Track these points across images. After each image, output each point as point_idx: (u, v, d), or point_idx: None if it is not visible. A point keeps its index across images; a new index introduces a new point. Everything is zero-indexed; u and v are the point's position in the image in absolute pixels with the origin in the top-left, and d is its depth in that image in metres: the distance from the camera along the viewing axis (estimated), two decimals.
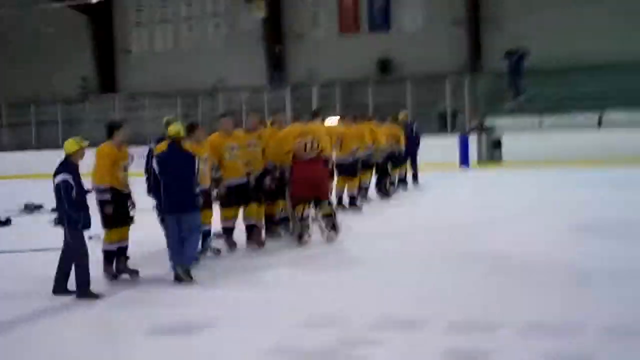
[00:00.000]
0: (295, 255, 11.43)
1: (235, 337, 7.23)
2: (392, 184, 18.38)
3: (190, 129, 10.45)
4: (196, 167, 9.76)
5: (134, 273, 10.09)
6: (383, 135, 17.32)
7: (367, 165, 16.55)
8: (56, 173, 8.95)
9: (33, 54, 37.90)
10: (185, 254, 9.66)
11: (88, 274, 9.04)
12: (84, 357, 6.95)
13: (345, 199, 15.91)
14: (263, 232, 12.32)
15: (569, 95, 27.10)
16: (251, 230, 11.83)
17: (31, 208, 18.09)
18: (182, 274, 9.48)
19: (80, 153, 9.16)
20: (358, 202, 15.96)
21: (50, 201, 17.45)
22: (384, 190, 17.75)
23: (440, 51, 31.40)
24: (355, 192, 15.92)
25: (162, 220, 10.33)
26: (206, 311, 8.17)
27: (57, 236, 13.45)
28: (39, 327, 8.05)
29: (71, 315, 8.49)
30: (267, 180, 12.08)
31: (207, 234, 10.88)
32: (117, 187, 9.87)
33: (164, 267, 9.96)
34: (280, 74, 32.50)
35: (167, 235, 9.78)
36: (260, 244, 11.82)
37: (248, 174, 11.65)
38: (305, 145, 12.13)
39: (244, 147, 11.71)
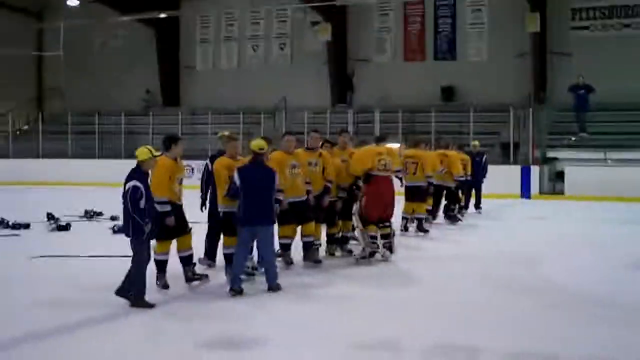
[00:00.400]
0: (352, 274, 11.42)
1: (285, 356, 7.18)
2: (461, 209, 18.63)
3: (168, 142, 10.25)
4: (276, 182, 10.02)
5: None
6: (458, 162, 17.72)
7: (439, 191, 17.03)
8: (128, 179, 9.01)
9: (100, 66, 38.50)
10: (267, 272, 9.94)
11: (144, 283, 9.09)
12: None
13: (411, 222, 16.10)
14: (321, 249, 12.33)
15: (633, 131, 26.78)
16: (309, 247, 11.78)
17: (91, 214, 18.28)
18: (237, 289, 9.62)
19: (151, 162, 9.25)
20: (425, 226, 16.08)
21: (110, 209, 17.92)
22: (452, 216, 17.97)
23: (504, 82, 31.17)
24: (423, 215, 16.11)
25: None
26: (258, 327, 8.15)
27: (114, 244, 13.71)
28: (91, 334, 8.06)
29: (123, 323, 8.50)
30: (326, 199, 12.05)
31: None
32: (173, 199, 9.95)
33: (217, 279, 9.99)
34: (352, 96, 32.39)
35: (237, 245, 9.93)
36: (317, 261, 11.76)
37: (308, 192, 11.62)
38: (385, 164, 12.37)
39: (304, 166, 11.68)
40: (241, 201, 9.77)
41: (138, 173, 9.09)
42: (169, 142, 10.12)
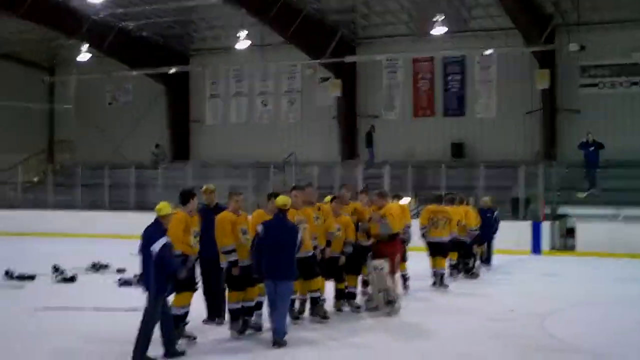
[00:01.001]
0: (358, 327, 11.34)
1: None
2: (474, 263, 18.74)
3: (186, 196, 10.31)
4: (299, 238, 10.20)
5: (192, 338, 10.16)
6: (474, 218, 18.17)
7: (457, 245, 17.21)
8: (150, 234, 8.95)
9: (110, 120, 38.73)
10: (275, 322, 10.00)
11: (150, 339, 8.99)
12: None
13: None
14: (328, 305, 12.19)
15: None
16: (316, 302, 11.63)
17: (97, 267, 18.16)
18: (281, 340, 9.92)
19: (171, 217, 9.30)
20: (446, 280, 16.23)
21: (117, 261, 17.83)
22: (468, 270, 18.10)
23: (514, 138, 31.23)
24: (444, 270, 16.28)
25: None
26: None
27: (120, 297, 13.61)
28: None
29: None
30: (327, 252, 11.95)
31: (182, 318, 10.24)
32: (188, 253, 9.95)
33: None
34: (372, 151, 32.44)
35: (269, 301, 10.16)
36: (325, 317, 11.61)
37: (314, 248, 11.51)
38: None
39: (311, 221, 11.58)
40: (264, 255, 9.95)
41: (161, 228, 9.06)
42: (187, 196, 10.16)
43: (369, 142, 32.48)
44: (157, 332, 9.06)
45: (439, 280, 15.98)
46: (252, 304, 10.62)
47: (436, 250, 16.07)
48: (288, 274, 10.09)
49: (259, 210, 10.98)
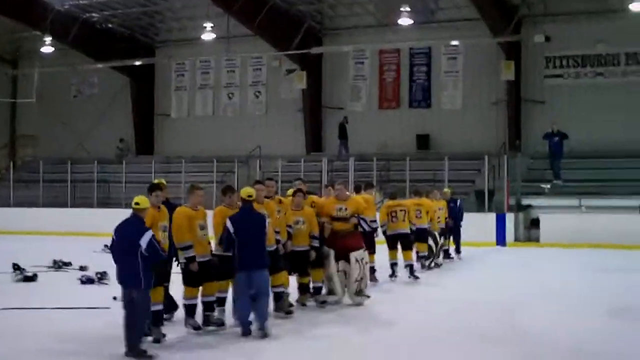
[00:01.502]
0: (321, 321, 11.32)
1: None
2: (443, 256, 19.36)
3: (224, 191, 10.85)
4: (267, 227, 10.37)
5: (221, 324, 10.50)
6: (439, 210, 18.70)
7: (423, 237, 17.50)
8: (136, 228, 8.97)
9: (74, 113, 38.35)
10: (258, 312, 10.09)
11: (143, 332, 9.05)
12: None
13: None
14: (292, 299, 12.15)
15: (607, 179, 26.96)
16: (279, 298, 11.54)
17: (59, 265, 17.92)
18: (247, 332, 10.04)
19: (148, 211, 9.34)
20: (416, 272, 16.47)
21: (79, 259, 17.63)
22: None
23: (479, 130, 31.30)
24: (412, 262, 16.43)
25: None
26: None
27: (82, 295, 13.44)
28: None
29: None
30: (288, 245, 11.85)
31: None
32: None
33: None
34: (346, 143, 32.25)
35: (237, 293, 10.26)
36: (289, 312, 11.52)
37: (277, 242, 11.40)
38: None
39: (273, 215, 11.47)
40: (236, 248, 10.02)
41: (141, 222, 9.11)
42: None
43: (342, 134, 32.30)
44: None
45: (409, 271, 16.11)
46: (213, 298, 10.52)
47: (399, 242, 16.17)
48: (262, 263, 10.21)
49: (220, 207, 10.85)
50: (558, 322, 11.43)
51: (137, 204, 9.13)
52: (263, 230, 10.33)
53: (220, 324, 10.54)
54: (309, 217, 12.28)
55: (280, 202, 12.02)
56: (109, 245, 21.57)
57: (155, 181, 10.92)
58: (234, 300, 10.56)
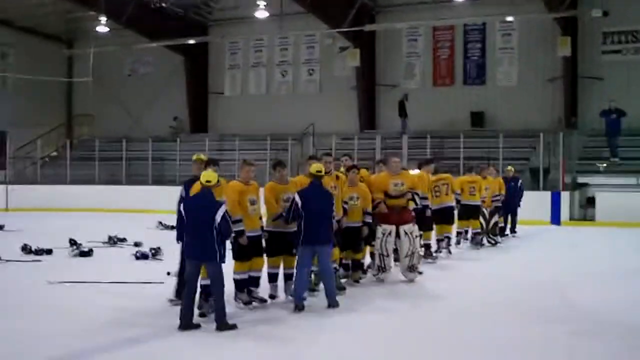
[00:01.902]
0: (375, 297, 11.24)
1: None
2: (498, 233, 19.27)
3: (274, 167, 10.96)
4: (334, 204, 10.56)
5: (263, 300, 10.54)
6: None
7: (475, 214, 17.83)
8: (206, 204, 9.12)
9: (129, 92, 38.69)
10: (327, 287, 10.45)
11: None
12: None
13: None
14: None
15: None
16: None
17: (114, 241, 18.13)
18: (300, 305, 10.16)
19: (219, 186, 9.57)
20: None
21: (134, 235, 17.85)
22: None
23: (534, 107, 30.90)
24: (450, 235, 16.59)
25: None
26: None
27: (135, 270, 13.60)
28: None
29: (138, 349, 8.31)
30: (342, 223, 11.78)
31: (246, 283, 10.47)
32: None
33: None
34: (405, 120, 31.60)
35: (298, 266, 10.34)
36: (341, 288, 11.48)
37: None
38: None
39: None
40: (302, 222, 10.17)
41: (213, 196, 9.27)
42: (242, 164, 10.67)
43: (402, 111, 31.78)
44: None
45: (444, 245, 16.26)
46: (259, 274, 10.54)
47: (442, 216, 16.07)
48: (327, 239, 10.38)
49: (270, 183, 10.86)
50: (614, 300, 11.31)
51: (208, 181, 9.17)
52: (330, 206, 10.50)
53: (263, 300, 10.55)
54: (363, 194, 12.21)
55: (337, 178, 11.92)
56: (162, 222, 21.88)
57: (194, 157, 10.71)
58: (288, 276, 10.73)
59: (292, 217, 10.28)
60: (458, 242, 17.71)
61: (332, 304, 10.28)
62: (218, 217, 8.96)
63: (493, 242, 18.51)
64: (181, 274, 10.11)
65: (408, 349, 8.24)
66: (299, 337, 8.91)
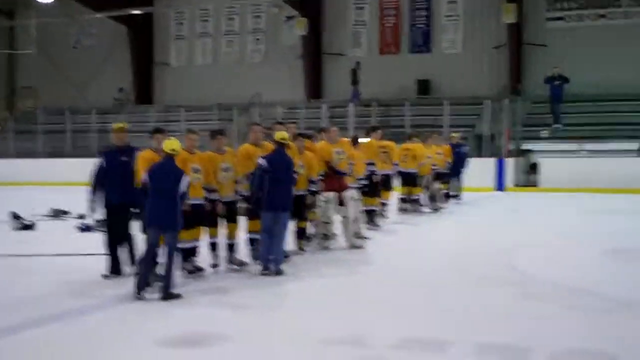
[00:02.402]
0: (320, 265, 11.29)
1: (256, 351, 6.96)
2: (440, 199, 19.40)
3: (212, 135, 10.95)
4: (297, 171, 10.82)
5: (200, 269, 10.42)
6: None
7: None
8: (171, 172, 9.13)
9: (72, 63, 38.15)
10: (276, 252, 10.43)
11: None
12: None
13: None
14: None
15: (608, 122, 26.78)
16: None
17: (58, 213, 17.93)
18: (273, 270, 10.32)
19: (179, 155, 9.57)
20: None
21: (78, 207, 17.61)
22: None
23: (480, 74, 31.15)
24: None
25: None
26: (222, 327, 7.88)
27: (79, 242, 13.46)
28: (46, 331, 7.80)
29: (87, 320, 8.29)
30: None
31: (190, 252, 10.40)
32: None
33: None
34: (357, 89, 31.63)
35: (263, 232, 10.46)
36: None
37: None
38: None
39: None
40: (266, 187, 10.28)
41: (177, 165, 9.30)
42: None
43: (354, 79, 31.75)
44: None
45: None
46: (197, 243, 10.47)
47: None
48: (289, 206, 10.57)
49: (208, 153, 10.85)
50: (555, 263, 11.51)
51: (173, 149, 9.16)
52: (292, 173, 10.70)
53: (200, 269, 10.45)
54: (308, 162, 12.19)
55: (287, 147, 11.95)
56: None
57: (115, 126, 10.59)
58: (252, 240, 11.02)
59: (257, 182, 10.35)
60: (402, 209, 17.86)
61: (278, 271, 10.32)
62: (183, 186, 9.04)
63: (435, 208, 18.69)
64: (112, 248, 10.18)
65: (354, 315, 8.27)
66: (245, 303, 8.90)
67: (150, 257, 9.10)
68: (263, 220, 10.46)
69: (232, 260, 10.95)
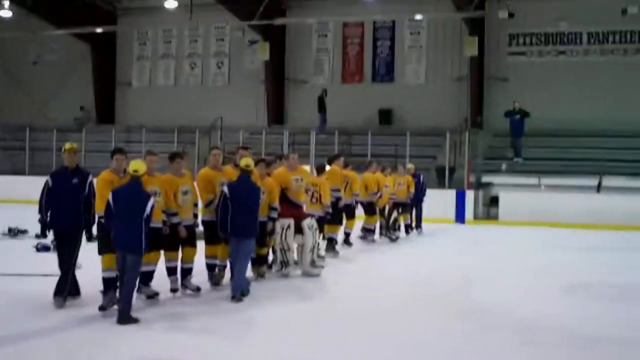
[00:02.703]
0: (281, 294, 11.20)
1: None
2: (397, 229, 19.57)
3: (171, 158, 10.89)
4: (261, 198, 10.71)
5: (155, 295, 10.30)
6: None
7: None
8: (137, 194, 9.16)
9: (32, 80, 37.76)
10: (237, 278, 10.50)
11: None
12: None
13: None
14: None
15: (568, 158, 27.06)
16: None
17: (15, 232, 17.67)
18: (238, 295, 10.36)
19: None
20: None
21: (35, 227, 17.32)
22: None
23: (441, 105, 31.32)
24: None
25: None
26: (182, 352, 7.82)
27: (38, 262, 13.27)
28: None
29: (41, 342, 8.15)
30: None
31: (148, 276, 10.27)
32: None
33: None
34: (324, 116, 31.41)
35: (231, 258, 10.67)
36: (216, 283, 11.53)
37: None
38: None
39: None
40: (230, 215, 10.31)
41: (142, 187, 9.33)
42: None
43: (321, 107, 31.62)
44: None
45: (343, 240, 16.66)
46: (153, 268, 10.36)
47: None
48: (254, 233, 10.63)
49: (168, 175, 10.77)
50: (515, 297, 11.58)
51: (135, 170, 9.20)
52: (257, 200, 10.71)
53: (156, 293, 10.34)
54: (270, 188, 12.17)
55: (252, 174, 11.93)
56: None
57: (66, 145, 10.24)
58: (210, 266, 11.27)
59: (221, 210, 10.41)
60: (362, 238, 18.02)
61: (236, 296, 10.31)
62: (148, 208, 9.04)
63: (393, 237, 18.80)
64: (63, 268, 9.87)
65: (313, 343, 8.25)
66: (206, 329, 8.83)
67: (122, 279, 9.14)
68: (230, 246, 10.61)
69: (186, 285, 10.84)
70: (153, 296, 10.21)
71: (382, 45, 33.18)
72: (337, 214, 15.44)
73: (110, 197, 9.19)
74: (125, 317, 8.83)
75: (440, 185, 26.43)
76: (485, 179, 27.18)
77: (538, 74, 30.36)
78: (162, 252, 10.45)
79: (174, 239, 10.54)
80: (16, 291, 10.74)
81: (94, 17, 34.89)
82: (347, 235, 16.86)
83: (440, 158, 28.08)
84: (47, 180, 10.09)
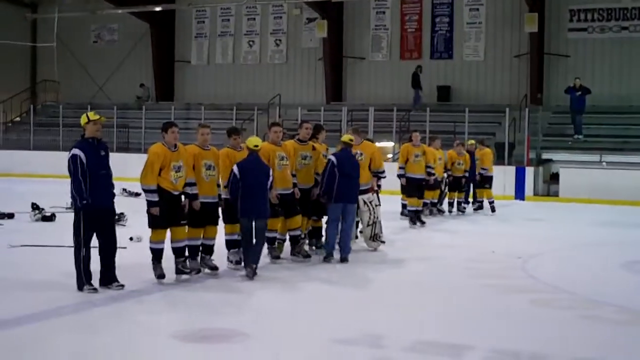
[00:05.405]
0: (337, 267, 11.27)
1: (266, 349, 6.97)
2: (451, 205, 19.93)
3: (229, 133, 10.98)
4: (270, 178, 10.49)
5: (195, 272, 10.19)
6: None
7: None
8: (263, 167, 10.41)
9: (94, 59, 38.32)
10: (255, 254, 10.31)
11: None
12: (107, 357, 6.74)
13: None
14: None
15: (628, 135, 26.74)
16: (296, 241, 11.55)
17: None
18: (251, 272, 10.18)
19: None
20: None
21: None
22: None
23: (501, 82, 31.09)
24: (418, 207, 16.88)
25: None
26: (241, 320, 7.91)
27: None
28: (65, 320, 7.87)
29: (96, 312, 8.40)
30: (315, 192, 11.82)
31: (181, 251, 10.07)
32: (168, 188, 9.77)
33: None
34: (418, 92, 31.32)
35: (241, 236, 10.50)
36: (306, 256, 11.55)
37: (294, 185, 11.38)
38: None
39: (292, 158, 11.49)
40: (240, 194, 10.16)
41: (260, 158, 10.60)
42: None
43: (416, 82, 31.48)
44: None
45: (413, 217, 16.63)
46: (213, 242, 10.51)
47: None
48: (265, 212, 10.43)
49: (225, 149, 10.83)
50: (574, 272, 11.55)
51: (256, 145, 10.31)
52: (267, 179, 10.38)
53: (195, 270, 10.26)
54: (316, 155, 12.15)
55: (313, 148, 12.04)
56: (127, 189, 21.65)
57: (94, 115, 9.51)
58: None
59: (230, 190, 10.24)
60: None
61: (248, 274, 10.13)
62: (270, 178, 10.35)
63: (442, 211, 19.41)
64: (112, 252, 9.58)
65: (367, 317, 8.28)
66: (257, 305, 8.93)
67: (248, 242, 10.23)
68: (242, 225, 10.42)
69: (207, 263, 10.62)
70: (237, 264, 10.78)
71: (440, 21, 32.92)
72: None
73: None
74: (254, 271, 10.09)
75: (500, 161, 26.19)
76: (546, 155, 26.90)
77: (599, 50, 29.91)
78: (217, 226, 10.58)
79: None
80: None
81: None
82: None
83: (500, 135, 27.85)
84: (77, 155, 9.41)
